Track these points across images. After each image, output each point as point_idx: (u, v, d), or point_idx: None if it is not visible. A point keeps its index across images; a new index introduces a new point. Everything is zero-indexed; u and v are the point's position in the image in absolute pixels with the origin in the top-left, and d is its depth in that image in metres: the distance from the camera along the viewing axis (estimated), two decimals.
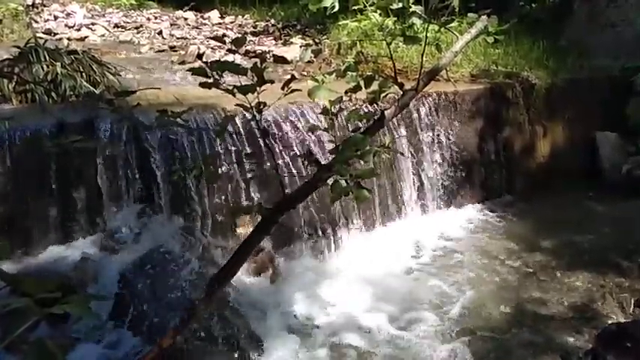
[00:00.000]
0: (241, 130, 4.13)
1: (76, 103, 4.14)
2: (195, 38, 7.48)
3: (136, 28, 8.14)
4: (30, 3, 8.36)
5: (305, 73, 5.67)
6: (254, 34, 7.70)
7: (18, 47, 4.51)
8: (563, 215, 5.34)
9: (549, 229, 5.04)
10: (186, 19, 8.90)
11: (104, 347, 3.34)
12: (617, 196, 5.53)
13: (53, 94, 4.21)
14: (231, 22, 8.75)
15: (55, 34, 7.25)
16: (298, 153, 4.27)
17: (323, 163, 2.06)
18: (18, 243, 3.72)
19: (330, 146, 2.73)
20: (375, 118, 2.20)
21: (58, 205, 3.84)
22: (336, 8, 2.12)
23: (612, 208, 5.42)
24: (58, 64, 4.30)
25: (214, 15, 9.06)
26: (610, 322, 3.59)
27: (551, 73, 5.95)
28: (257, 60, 1.90)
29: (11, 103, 4.24)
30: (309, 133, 4.35)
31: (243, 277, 3.89)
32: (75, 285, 3.52)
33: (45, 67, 4.28)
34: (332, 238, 4.53)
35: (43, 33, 7.03)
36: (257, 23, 8.44)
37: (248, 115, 1.97)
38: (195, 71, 1.89)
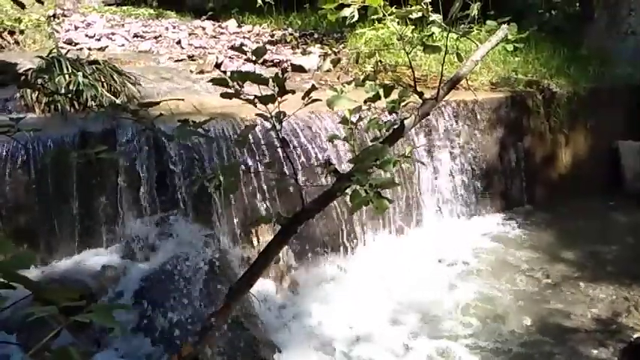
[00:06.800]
0: (261, 139, 4.14)
1: (97, 113, 4.19)
2: (214, 47, 7.52)
3: (155, 37, 8.22)
4: (52, 14, 8.50)
5: (323, 83, 5.68)
6: (271, 43, 7.73)
7: (41, 57, 4.58)
8: (585, 225, 5.26)
9: (571, 240, 4.98)
10: (204, 28, 8.97)
11: (123, 356, 3.35)
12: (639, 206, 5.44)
13: (75, 103, 4.27)
14: (249, 32, 8.80)
15: (76, 43, 7.34)
16: (317, 162, 4.27)
17: (342, 172, 2.05)
18: (40, 251, 3.76)
19: (349, 155, 2.73)
20: (395, 127, 2.19)
21: (79, 214, 3.88)
22: (356, 17, 2.11)
23: (635, 218, 5.33)
24: (80, 73, 4.35)
25: (232, 24, 9.12)
26: (635, 336, 3.51)
27: (573, 81, 5.89)
28: (275, 69, 1.91)
29: (34, 113, 4.30)
30: (329, 143, 4.34)
31: (263, 286, 3.88)
32: (95, 293, 3.55)
33: (67, 76, 4.33)
34: (351, 247, 4.51)
35: (64, 43, 7.12)
36: (274, 32, 8.47)
37: (267, 125, 1.97)
38: (216, 81, 1.89)
